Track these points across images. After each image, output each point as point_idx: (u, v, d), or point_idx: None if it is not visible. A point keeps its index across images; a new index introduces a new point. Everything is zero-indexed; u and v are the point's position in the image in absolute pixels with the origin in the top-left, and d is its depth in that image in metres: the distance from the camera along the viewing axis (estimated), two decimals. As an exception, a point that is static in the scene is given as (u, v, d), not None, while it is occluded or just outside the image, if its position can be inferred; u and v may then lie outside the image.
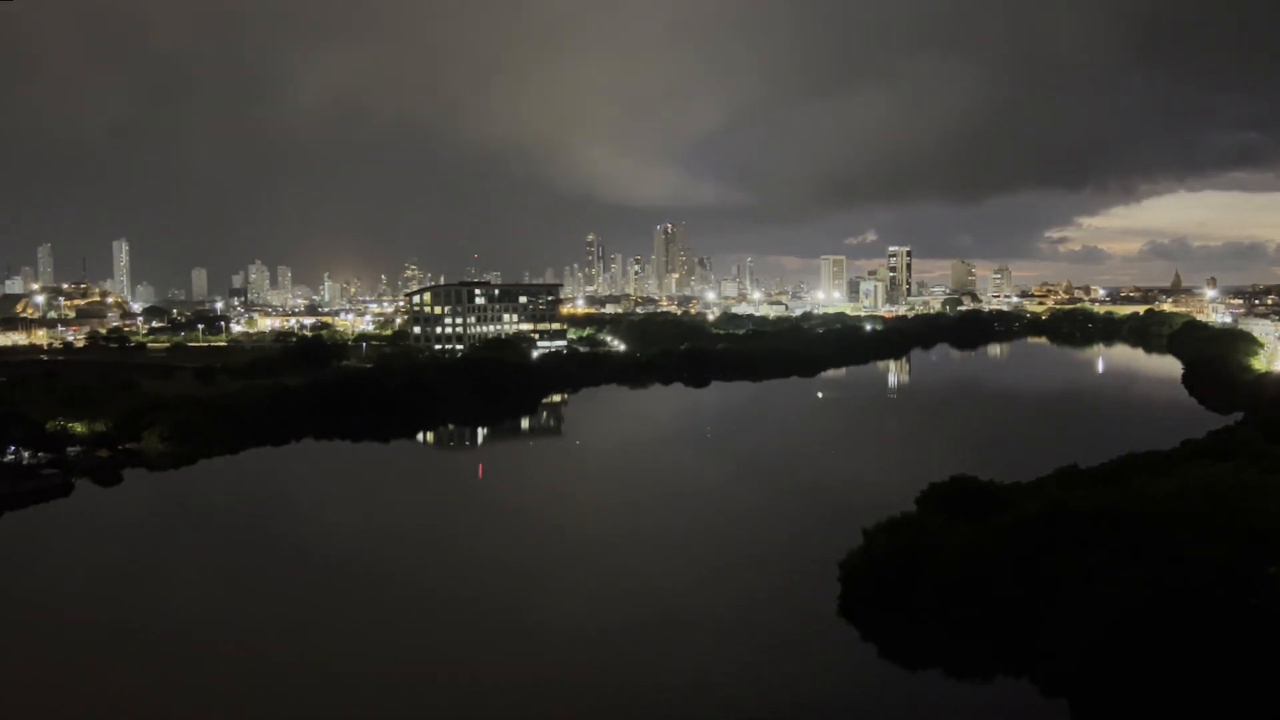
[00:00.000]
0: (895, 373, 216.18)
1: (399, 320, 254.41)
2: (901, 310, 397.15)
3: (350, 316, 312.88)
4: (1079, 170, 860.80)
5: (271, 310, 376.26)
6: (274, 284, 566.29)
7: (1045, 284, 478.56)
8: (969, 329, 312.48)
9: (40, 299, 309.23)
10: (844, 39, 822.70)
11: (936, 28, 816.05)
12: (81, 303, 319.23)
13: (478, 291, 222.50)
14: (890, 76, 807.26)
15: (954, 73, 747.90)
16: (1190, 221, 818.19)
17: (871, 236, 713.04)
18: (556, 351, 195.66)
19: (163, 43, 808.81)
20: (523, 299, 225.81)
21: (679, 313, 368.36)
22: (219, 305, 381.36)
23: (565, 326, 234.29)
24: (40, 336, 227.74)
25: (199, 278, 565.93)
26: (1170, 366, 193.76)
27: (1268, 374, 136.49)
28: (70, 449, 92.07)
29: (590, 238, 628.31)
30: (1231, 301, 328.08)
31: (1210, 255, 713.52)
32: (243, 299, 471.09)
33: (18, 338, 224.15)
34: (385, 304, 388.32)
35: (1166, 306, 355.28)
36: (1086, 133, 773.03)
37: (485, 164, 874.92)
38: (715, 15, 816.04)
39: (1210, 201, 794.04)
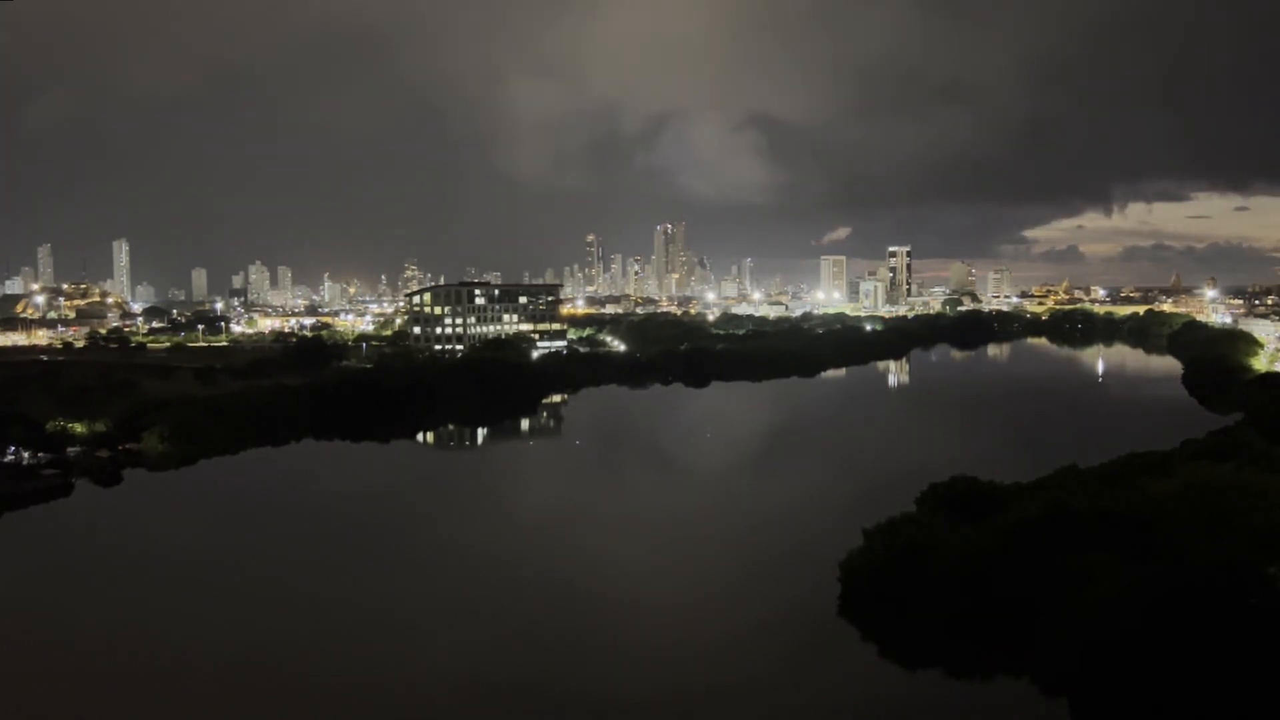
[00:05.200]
0: (895, 373, 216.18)
1: (399, 320, 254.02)
2: (901, 311, 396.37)
3: (350, 317, 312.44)
4: (1049, 183, 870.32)
5: (271, 311, 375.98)
6: (274, 284, 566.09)
7: (1046, 284, 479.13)
8: (969, 329, 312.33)
9: (40, 299, 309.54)
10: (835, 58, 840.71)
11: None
12: (81, 303, 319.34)
13: (478, 292, 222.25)
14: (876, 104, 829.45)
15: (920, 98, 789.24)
16: (1163, 223, 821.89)
17: (844, 232, 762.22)
18: (556, 352, 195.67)
19: (276, 91, 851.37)
20: (523, 299, 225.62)
21: (679, 313, 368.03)
22: (219, 305, 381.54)
23: (565, 327, 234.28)
24: (40, 336, 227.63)
25: (199, 278, 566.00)
26: (1170, 367, 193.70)
27: (1268, 374, 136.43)
28: (70, 449, 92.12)
29: (590, 238, 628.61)
30: (1231, 302, 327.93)
31: (1193, 256, 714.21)
32: (243, 299, 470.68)
33: (18, 338, 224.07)
34: (385, 304, 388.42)
35: (1166, 307, 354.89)
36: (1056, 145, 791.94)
37: (485, 164, 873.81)
38: (718, 25, 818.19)
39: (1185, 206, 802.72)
